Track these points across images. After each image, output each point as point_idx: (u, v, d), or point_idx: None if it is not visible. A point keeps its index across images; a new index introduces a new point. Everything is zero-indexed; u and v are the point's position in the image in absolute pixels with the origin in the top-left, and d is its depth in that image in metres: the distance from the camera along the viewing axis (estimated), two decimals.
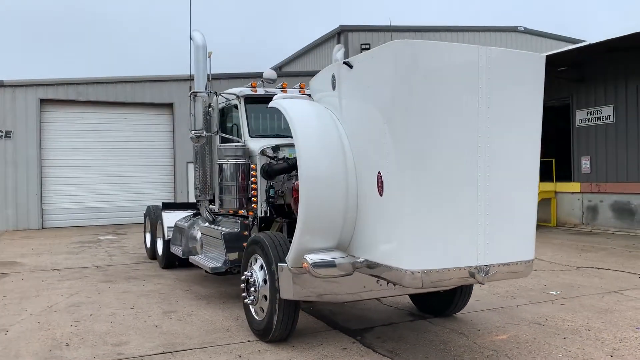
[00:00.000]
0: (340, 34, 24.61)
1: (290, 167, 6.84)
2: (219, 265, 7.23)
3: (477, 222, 4.48)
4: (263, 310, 5.70)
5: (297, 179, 6.80)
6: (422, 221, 4.33)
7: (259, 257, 5.84)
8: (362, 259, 4.91)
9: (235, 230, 7.26)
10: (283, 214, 7.02)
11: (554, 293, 7.74)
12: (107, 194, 20.22)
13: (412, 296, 6.87)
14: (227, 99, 7.59)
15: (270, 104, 5.75)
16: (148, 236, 12.01)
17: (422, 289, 4.55)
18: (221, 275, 7.99)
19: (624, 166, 15.06)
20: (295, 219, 6.71)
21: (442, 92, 4.31)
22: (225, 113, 8.10)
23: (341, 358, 5.19)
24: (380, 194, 4.54)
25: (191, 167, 21.56)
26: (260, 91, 7.58)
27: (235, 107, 7.48)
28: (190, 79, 21.35)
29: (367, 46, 24.15)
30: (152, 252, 11.51)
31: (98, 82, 20.55)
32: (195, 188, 8.26)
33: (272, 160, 7.02)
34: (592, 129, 15.98)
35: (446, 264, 4.38)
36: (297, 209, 6.43)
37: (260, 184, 6.98)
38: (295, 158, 6.78)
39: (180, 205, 11.02)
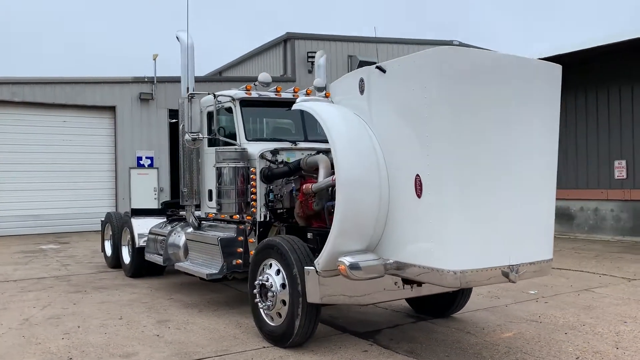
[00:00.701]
0: (287, 41, 24.65)
1: (292, 170, 6.81)
2: (215, 271, 7.05)
3: (510, 222, 4.67)
4: (280, 315, 5.62)
5: (295, 182, 6.81)
6: (463, 222, 4.46)
7: (274, 261, 5.76)
8: (391, 261, 4.98)
9: (232, 235, 7.11)
10: (281, 218, 6.96)
11: (533, 292, 8.15)
12: (46, 201, 19.08)
13: (410, 298, 7.01)
14: (219, 102, 7.43)
15: (299, 107, 5.72)
16: (108, 244, 11.49)
17: (459, 288, 4.66)
18: (214, 282, 7.79)
19: (560, 174, 16.08)
20: (295, 223, 6.76)
21: (481, 97, 4.48)
22: (214, 116, 7.92)
23: (374, 359, 5.23)
24: (419, 196, 4.63)
25: (134, 173, 20.88)
26: (254, 94, 7.50)
27: (229, 109, 7.33)
28: (137, 81, 20.70)
29: (314, 53, 24.31)
30: (114, 261, 11.00)
31: (35, 83, 19.40)
32: (181, 193, 8.01)
33: (272, 164, 6.96)
34: None
35: (484, 264, 4.54)
36: (301, 212, 6.43)
37: (260, 188, 6.89)
38: (295, 161, 6.80)
39: (149, 211, 10.61)
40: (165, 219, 9.94)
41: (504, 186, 4.64)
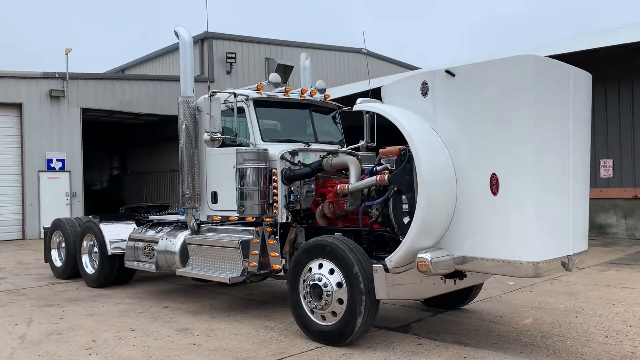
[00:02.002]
0: (204, 40, 24.06)
1: (313, 171, 6.85)
2: (237, 275, 6.87)
3: (567, 216, 5.16)
4: (335, 314, 5.65)
5: (313, 183, 6.87)
6: (537, 217, 4.85)
7: (325, 261, 5.77)
8: (457, 255, 5.26)
9: (250, 237, 6.96)
10: (298, 219, 6.97)
11: (511, 283, 8.86)
12: None
13: None
14: (228, 101, 7.23)
15: (364, 108, 5.78)
16: (55, 253, 10.60)
17: (533, 277, 5.03)
18: (234, 286, 7.56)
19: None
20: (312, 224, 6.81)
21: (552, 102, 4.91)
22: (235, 116, 7.59)
23: (434, 350, 5.44)
24: (494, 194, 4.95)
25: (43, 176, 19.23)
26: (264, 94, 7.39)
27: (240, 109, 7.16)
28: (47, 77, 19.32)
29: (233, 55, 24.03)
30: (67, 271, 10.15)
31: None
32: (183, 195, 7.65)
33: (292, 165, 6.93)
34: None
35: (552, 255, 4.97)
36: (331, 213, 6.49)
37: (280, 189, 6.83)
38: (316, 162, 6.86)
39: (119, 216, 9.93)
40: (134, 224, 9.42)
41: (564, 182, 5.11)
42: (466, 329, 6.28)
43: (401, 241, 5.66)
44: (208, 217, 7.68)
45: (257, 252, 6.94)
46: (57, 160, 19.51)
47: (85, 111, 20.20)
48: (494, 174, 4.95)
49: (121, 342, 6.07)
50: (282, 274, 6.92)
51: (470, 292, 7.02)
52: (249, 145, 7.06)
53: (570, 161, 5.19)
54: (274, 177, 6.81)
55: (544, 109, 4.83)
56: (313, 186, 6.97)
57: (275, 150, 6.88)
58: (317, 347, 5.66)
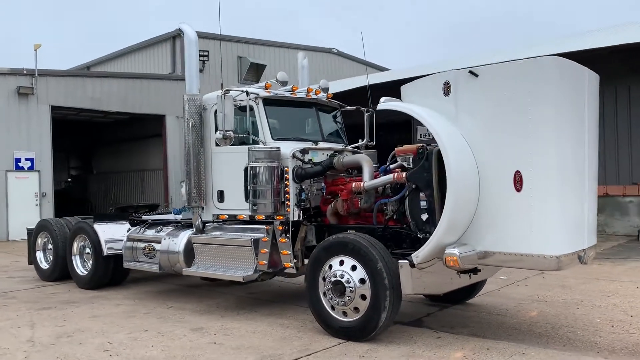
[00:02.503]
0: (176, 38, 23.72)
1: (324, 169, 6.92)
2: (250, 273, 6.87)
3: (584, 211, 5.40)
4: (358, 310, 5.74)
5: (322, 182, 6.94)
6: (559, 213, 5.07)
7: (346, 258, 5.85)
8: (479, 250, 5.43)
9: (261, 235, 6.97)
10: (309, 218, 7.02)
11: (504, 278, 9.15)
12: None
13: None
14: (236, 99, 7.19)
15: (390, 107, 5.86)
16: (41, 255, 10.31)
17: (555, 270, 5.24)
18: (235, 285, 7.52)
19: None
20: (321, 222, 6.88)
21: (572, 101, 5.13)
22: (247, 113, 7.53)
23: (455, 343, 5.60)
24: (518, 190, 5.14)
25: (11, 176, 18.61)
26: (272, 92, 7.41)
27: (249, 108, 7.14)
28: (14, 74, 18.93)
29: (206, 53, 23.75)
30: (56, 273, 9.88)
31: None
32: (188, 195, 7.58)
33: (303, 164, 6.98)
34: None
35: (571, 249, 5.20)
36: (344, 210, 6.57)
37: (292, 188, 6.87)
38: (326, 161, 6.95)
39: (113, 216, 9.73)
40: (127, 224, 9.27)
41: (581, 180, 5.35)
42: (478, 322, 6.47)
43: (419, 237, 5.83)
44: (214, 216, 7.64)
45: (267, 250, 6.96)
46: (26, 159, 18.88)
47: (54, 109, 19.61)
48: (517, 171, 5.13)
49: (138, 342, 5.99)
50: (293, 271, 6.97)
51: (475, 287, 7.23)
52: (259, 144, 7.06)
53: (586, 159, 5.43)
54: (285, 175, 6.85)
55: (565, 108, 5.04)
56: (323, 184, 7.04)
57: (287, 148, 6.91)
58: (340, 343, 5.73)
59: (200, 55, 24.16)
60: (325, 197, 7.06)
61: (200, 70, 24.13)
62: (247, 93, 7.04)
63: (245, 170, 7.18)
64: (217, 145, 7.44)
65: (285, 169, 6.85)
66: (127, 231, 9.04)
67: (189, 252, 7.76)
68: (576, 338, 5.73)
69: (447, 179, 5.27)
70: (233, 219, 7.40)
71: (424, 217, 5.83)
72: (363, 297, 5.70)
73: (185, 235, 7.92)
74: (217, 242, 7.31)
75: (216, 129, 7.58)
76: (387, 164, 6.67)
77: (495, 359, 5.11)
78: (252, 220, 7.19)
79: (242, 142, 7.17)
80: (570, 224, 5.21)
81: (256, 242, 6.89)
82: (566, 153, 5.10)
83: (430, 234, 5.73)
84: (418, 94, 5.85)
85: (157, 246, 8.16)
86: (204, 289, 8.99)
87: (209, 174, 7.67)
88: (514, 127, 5.15)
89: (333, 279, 5.87)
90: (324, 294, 6.00)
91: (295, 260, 6.90)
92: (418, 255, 5.46)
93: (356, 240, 5.80)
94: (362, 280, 5.72)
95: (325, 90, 8.06)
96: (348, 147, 7.95)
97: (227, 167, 7.47)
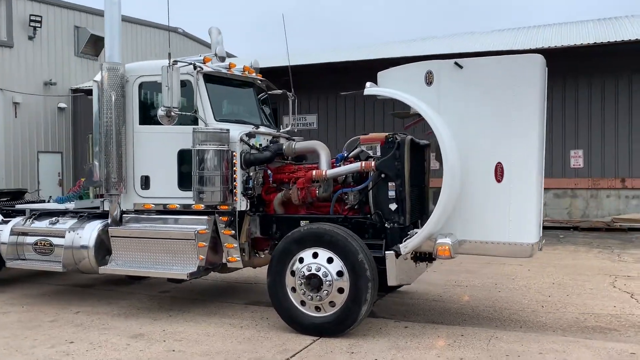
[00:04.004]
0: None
1: (273, 155, 6.48)
2: (193, 269, 6.13)
3: (541, 203, 5.81)
4: (334, 304, 5.46)
5: (264, 169, 6.52)
6: (534, 203, 5.38)
7: (321, 250, 5.53)
8: (460, 239, 5.52)
9: (204, 227, 6.26)
10: (253, 207, 6.51)
11: None
12: None
13: None
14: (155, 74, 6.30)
15: (381, 93, 5.56)
16: None
17: (529, 257, 5.53)
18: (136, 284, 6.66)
19: None
20: (264, 212, 6.45)
21: (544, 97, 5.46)
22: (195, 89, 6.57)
23: (426, 333, 5.62)
24: (498, 181, 5.34)
25: None
26: (213, 67, 6.67)
27: (186, 83, 6.33)
28: None
29: (39, 18, 20.74)
30: None
31: None
32: (102, 181, 6.46)
33: (252, 149, 6.44)
34: (298, 133, 18.63)
35: (538, 237, 5.56)
36: (299, 200, 6.22)
37: (240, 175, 6.29)
38: (275, 146, 6.56)
39: None
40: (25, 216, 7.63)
41: (542, 172, 5.73)
42: (425, 309, 6.62)
43: (387, 227, 5.75)
44: (135, 205, 6.67)
45: (205, 244, 6.28)
46: None
47: None
48: (499, 162, 5.33)
49: (77, 357, 4.97)
50: (239, 266, 6.40)
51: None
52: (198, 125, 6.31)
53: (544, 151, 5.84)
54: (234, 160, 6.24)
55: (542, 104, 5.35)
56: (269, 172, 6.57)
57: (234, 131, 6.29)
58: (315, 340, 5.41)
59: (31, 21, 21.27)
60: (269, 186, 6.60)
61: (30, 38, 21.32)
62: (195, 66, 6.24)
63: (180, 153, 6.41)
64: (148, 124, 6.51)
65: (234, 153, 6.23)
66: (1, 223, 7.48)
67: (100, 247, 6.70)
68: (523, 319, 6.16)
69: (444, 166, 5.26)
70: (165, 208, 6.53)
71: (393, 206, 5.76)
72: (340, 290, 5.44)
73: (93, 227, 6.80)
74: (148, 236, 6.39)
75: (141, 105, 6.66)
76: (344, 152, 6.47)
77: (477, 345, 5.26)
78: (185, 211, 6.43)
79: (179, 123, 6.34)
80: (538, 213, 5.56)
81: (200, 235, 6.17)
82: (541, 146, 5.41)
83: (399, 224, 5.71)
84: (398, 82, 5.72)
85: (55, 241, 6.88)
86: (98, 288, 7.90)
87: (130, 157, 6.67)
88: (497, 119, 5.32)
89: (307, 273, 5.51)
90: (293, 289, 5.60)
91: (243, 254, 6.34)
92: (407, 246, 5.38)
93: (333, 232, 5.51)
94: (339, 273, 5.45)
95: (257, 70, 7.52)
96: (284, 134, 7.52)
97: (156, 150, 6.58)
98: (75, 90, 21.98)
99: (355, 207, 6.11)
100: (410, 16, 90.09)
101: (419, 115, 5.92)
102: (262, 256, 6.67)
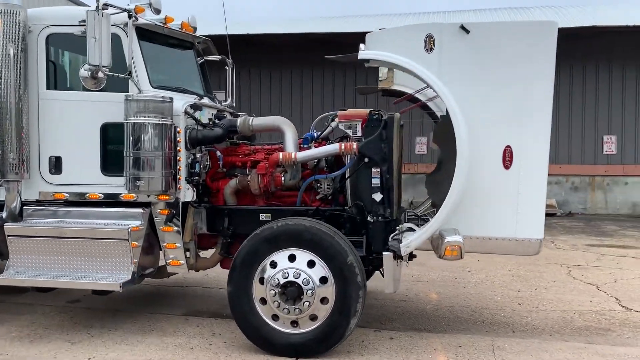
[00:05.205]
0: None
1: (226, 133, 5.27)
2: (128, 277, 4.76)
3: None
4: (315, 318, 4.43)
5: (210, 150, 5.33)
6: (545, 193, 4.70)
7: (299, 251, 4.46)
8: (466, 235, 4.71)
9: (137, 223, 4.91)
10: (197, 197, 5.26)
11: None
12: None
13: None
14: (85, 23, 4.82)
15: (385, 58, 4.50)
16: None
17: (535, 255, 4.85)
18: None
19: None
20: (210, 203, 5.28)
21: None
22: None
23: (418, 345, 4.80)
24: (507, 168, 4.59)
25: None
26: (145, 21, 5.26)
27: (114, 37, 4.89)
28: None
29: None
30: None
31: None
32: (2, 162, 4.85)
33: (198, 124, 5.17)
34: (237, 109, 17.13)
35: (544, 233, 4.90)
36: (261, 188, 5.11)
37: (184, 157, 5.01)
38: (226, 122, 5.40)
39: None
40: None
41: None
42: (399, 314, 5.82)
43: (369, 222, 4.81)
44: (42, 194, 5.13)
45: (138, 244, 4.95)
46: None
47: None
48: (508, 146, 4.57)
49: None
50: (184, 271, 5.15)
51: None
52: (128, 91, 4.91)
53: None
54: (178, 139, 4.94)
55: (553, 75, 4.64)
56: (219, 153, 5.34)
57: (178, 102, 4.97)
58: None
59: None
60: (217, 171, 5.37)
61: None
62: (130, 15, 4.81)
63: (104, 127, 5.00)
64: (59, 88, 5.04)
65: (178, 129, 4.93)
66: None
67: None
68: (510, 322, 5.54)
69: (458, 151, 4.37)
70: (83, 198, 5.07)
71: (377, 197, 4.82)
72: (324, 300, 4.43)
73: None
74: (60, 234, 4.89)
75: (50, 64, 5.11)
76: (313, 130, 5.41)
77: (484, 358, 4.51)
78: (111, 202, 5.04)
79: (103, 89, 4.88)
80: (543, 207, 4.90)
81: (135, 234, 4.82)
82: (550, 123, 4.71)
83: (384, 218, 4.79)
84: (391, 47, 4.70)
85: None
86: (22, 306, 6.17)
87: (34, 132, 5.11)
88: (507, 93, 4.53)
89: (282, 281, 4.42)
90: (263, 300, 4.49)
91: (187, 256, 5.09)
92: (409, 245, 4.45)
93: (315, 228, 4.47)
94: (323, 280, 4.43)
95: (195, 30, 6.17)
96: (228, 108, 6.26)
97: (70, 123, 5.08)
98: None
99: (329, 197, 5.10)
100: None
101: (403, 93, 5.04)
102: (208, 257, 5.46)
